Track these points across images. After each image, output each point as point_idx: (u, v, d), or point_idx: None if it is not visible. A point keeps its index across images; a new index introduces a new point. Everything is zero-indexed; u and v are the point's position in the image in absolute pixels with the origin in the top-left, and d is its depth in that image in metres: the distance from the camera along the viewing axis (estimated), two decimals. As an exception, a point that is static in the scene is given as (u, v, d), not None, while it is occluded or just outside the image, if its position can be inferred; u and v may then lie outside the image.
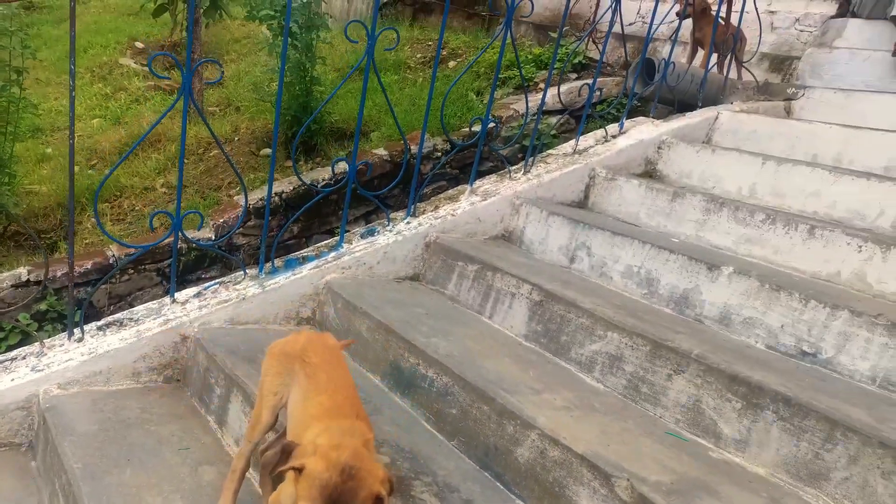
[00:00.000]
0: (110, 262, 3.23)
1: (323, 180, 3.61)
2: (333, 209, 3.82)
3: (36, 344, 2.29)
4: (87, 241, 3.51)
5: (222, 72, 2.83)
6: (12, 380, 2.15)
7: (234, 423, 2.11)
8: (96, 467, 1.84)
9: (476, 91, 4.83)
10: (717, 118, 3.76)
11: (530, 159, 3.34)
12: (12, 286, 2.99)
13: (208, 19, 5.49)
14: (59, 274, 3.07)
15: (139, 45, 7.55)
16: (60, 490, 1.87)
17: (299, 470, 1.22)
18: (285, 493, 1.33)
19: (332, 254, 2.77)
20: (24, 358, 2.25)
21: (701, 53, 4.36)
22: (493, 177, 3.35)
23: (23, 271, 3.07)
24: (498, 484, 1.85)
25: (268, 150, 4.20)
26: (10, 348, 2.53)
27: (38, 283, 3.07)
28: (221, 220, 3.44)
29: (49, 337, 2.36)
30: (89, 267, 3.12)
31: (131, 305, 3.07)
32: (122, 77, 6.22)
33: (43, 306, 2.97)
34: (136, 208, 3.75)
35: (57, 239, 3.67)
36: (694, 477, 1.66)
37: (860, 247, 2.39)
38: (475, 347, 2.26)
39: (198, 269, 3.34)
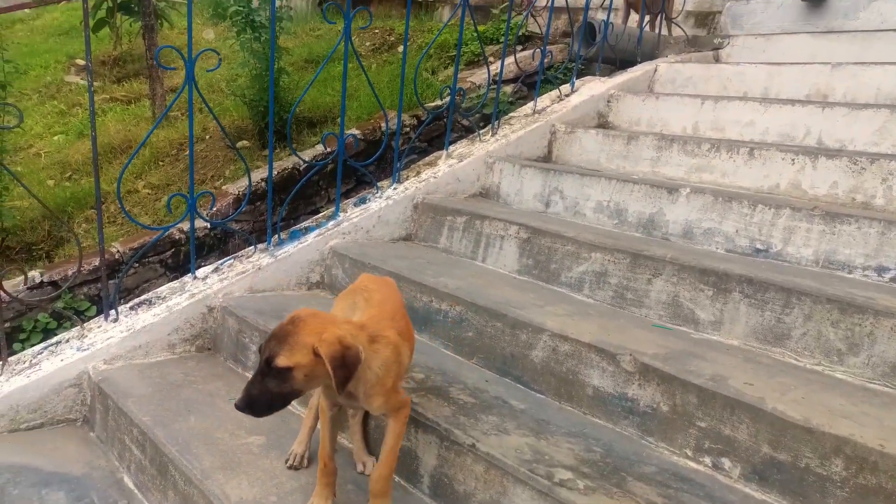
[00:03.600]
0: (116, 257, 3.37)
1: (304, 163, 3.83)
2: (316, 189, 4.04)
3: (75, 328, 2.47)
4: (83, 244, 3.62)
5: (203, 67, 3.01)
6: (62, 360, 2.32)
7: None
8: (164, 417, 2.05)
9: (430, 70, 5.10)
10: (656, 70, 4.14)
11: (496, 122, 3.64)
12: (28, 288, 3.12)
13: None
14: (69, 273, 3.21)
15: (79, 61, 7.51)
16: (133, 442, 2.08)
17: None
18: None
19: (331, 222, 3.01)
20: (67, 341, 2.42)
21: (634, 15, 4.75)
22: (465, 141, 3.63)
23: (35, 274, 3.20)
24: (518, 385, 2.14)
25: (245, 142, 4.37)
26: (33, 346, 2.67)
27: (51, 283, 3.20)
28: (214, 209, 3.63)
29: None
30: (97, 264, 3.26)
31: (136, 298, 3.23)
32: (71, 94, 6.24)
33: (60, 304, 3.11)
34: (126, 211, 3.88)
35: (48, 249, 3.78)
36: (682, 349, 1.99)
37: (793, 160, 2.78)
38: (477, 282, 2.54)
39: (197, 257, 3.51)
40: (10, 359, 2.35)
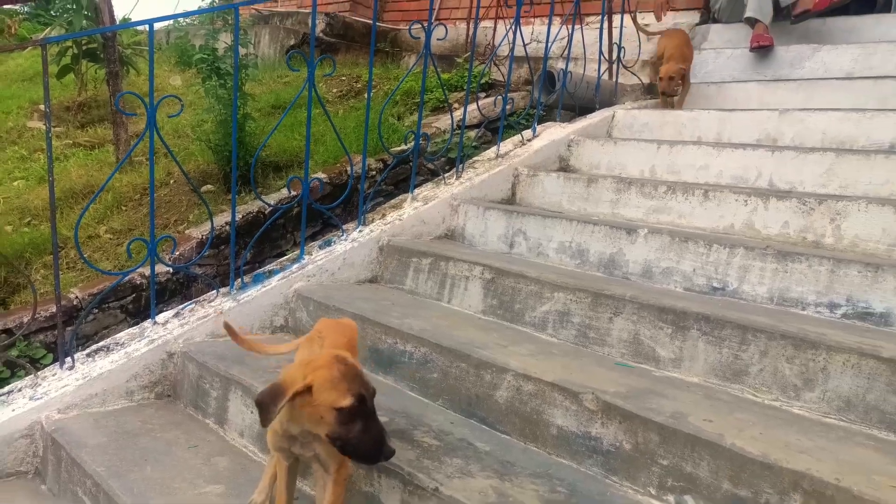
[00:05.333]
0: (74, 303, 3.29)
1: (268, 206, 3.83)
2: (282, 233, 4.03)
3: (28, 377, 2.39)
4: (40, 290, 3.53)
5: (167, 113, 3.03)
6: (13, 410, 2.24)
7: (235, 418, 2.30)
8: (118, 468, 1.99)
9: (396, 116, 5.19)
10: (613, 116, 4.28)
11: (460, 165, 3.71)
12: (-21, 336, 3.02)
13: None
14: (24, 320, 3.12)
15: (42, 107, 7.44)
16: (86, 494, 2.00)
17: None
18: None
19: (296, 265, 3.00)
20: (20, 390, 2.34)
21: (592, 64, 4.92)
22: (430, 184, 3.68)
23: (-14, 321, 3.11)
24: (483, 426, 2.14)
25: (209, 187, 4.36)
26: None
27: (5, 331, 3.10)
28: (178, 253, 3.58)
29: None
30: (54, 310, 3.18)
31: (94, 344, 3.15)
32: (33, 139, 6.16)
33: (14, 352, 3.01)
34: (84, 256, 3.81)
35: (4, 296, 3.67)
36: (644, 388, 2.02)
37: (746, 201, 2.88)
38: (443, 323, 2.55)
39: (158, 302, 3.45)
40: (-44, 410, 2.26)
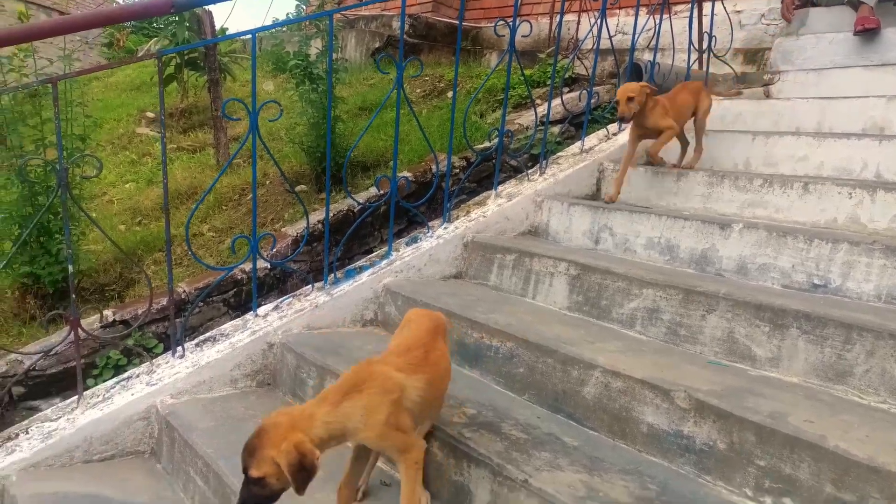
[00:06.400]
0: (182, 296, 3.55)
1: (358, 205, 3.96)
2: (369, 230, 4.16)
3: (144, 364, 2.60)
4: (153, 285, 3.81)
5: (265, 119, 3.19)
6: (132, 394, 2.45)
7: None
8: (226, 450, 2.13)
9: (479, 114, 5.23)
10: (705, 107, 4.13)
11: (544, 161, 3.71)
12: (101, 327, 3.30)
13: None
14: (139, 312, 3.39)
15: (150, 114, 8.00)
16: (197, 474, 2.16)
17: None
18: None
19: (384, 262, 3.10)
20: (137, 376, 2.56)
21: (681, 54, 4.78)
22: (513, 181, 3.70)
23: (108, 313, 3.40)
24: (570, 422, 2.14)
25: (303, 187, 4.56)
26: (105, 381, 2.82)
27: (123, 322, 3.38)
28: (274, 250, 3.78)
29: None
30: (165, 303, 3.44)
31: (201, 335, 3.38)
32: (142, 144, 6.63)
33: (130, 341, 3.28)
34: (189, 253, 4.09)
35: (119, 290, 4.00)
36: (739, 386, 1.96)
37: (850, 193, 2.73)
38: (528, 319, 2.57)
39: (257, 296, 3.66)
40: (84, 393, 2.49)
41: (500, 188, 3.58)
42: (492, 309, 2.65)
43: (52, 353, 3.11)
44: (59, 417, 2.38)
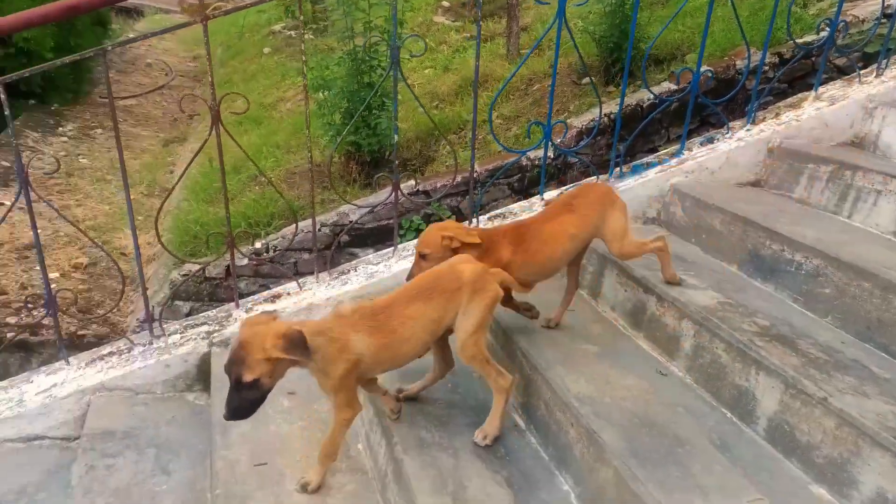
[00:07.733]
0: (474, 176, 3.87)
1: (648, 100, 3.81)
2: (656, 129, 4.01)
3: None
4: (447, 163, 4.23)
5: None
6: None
7: (608, 293, 2.50)
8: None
9: (801, 4, 4.55)
10: None
11: (883, 61, 3.15)
12: (410, 194, 3.80)
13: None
14: (437, 185, 3.80)
15: (445, 3, 8.42)
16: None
17: None
18: None
19: (674, 160, 2.99)
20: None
21: None
22: (839, 82, 3.22)
23: (412, 183, 3.87)
24: (883, 353, 1.94)
25: (589, 79, 4.52)
26: (408, 241, 3.22)
27: (424, 192, 3.83)
28: (558, 140, 3.87)
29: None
30: (459, 180, 3.80)
31: (488, 213, 3.67)
32: (438, 32, 7.05)
33: (430, 209, 3.72)
34: (479, 137, 4.39)
35: (419, 165, 4.47)
36: None
37: None
38: (841, 238, 2.31)
39: (535, 185, 3.84)
40: (399, 246, 2.91)
41: (820, 89, 3.14)
42: (796, 221, 2.44)
43: (376, 208, 3.62)
44: (380, 263, 2.83)
